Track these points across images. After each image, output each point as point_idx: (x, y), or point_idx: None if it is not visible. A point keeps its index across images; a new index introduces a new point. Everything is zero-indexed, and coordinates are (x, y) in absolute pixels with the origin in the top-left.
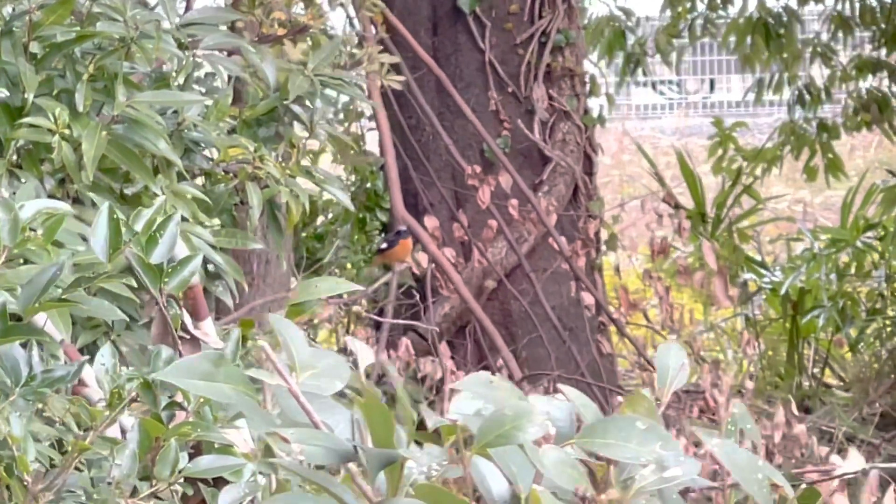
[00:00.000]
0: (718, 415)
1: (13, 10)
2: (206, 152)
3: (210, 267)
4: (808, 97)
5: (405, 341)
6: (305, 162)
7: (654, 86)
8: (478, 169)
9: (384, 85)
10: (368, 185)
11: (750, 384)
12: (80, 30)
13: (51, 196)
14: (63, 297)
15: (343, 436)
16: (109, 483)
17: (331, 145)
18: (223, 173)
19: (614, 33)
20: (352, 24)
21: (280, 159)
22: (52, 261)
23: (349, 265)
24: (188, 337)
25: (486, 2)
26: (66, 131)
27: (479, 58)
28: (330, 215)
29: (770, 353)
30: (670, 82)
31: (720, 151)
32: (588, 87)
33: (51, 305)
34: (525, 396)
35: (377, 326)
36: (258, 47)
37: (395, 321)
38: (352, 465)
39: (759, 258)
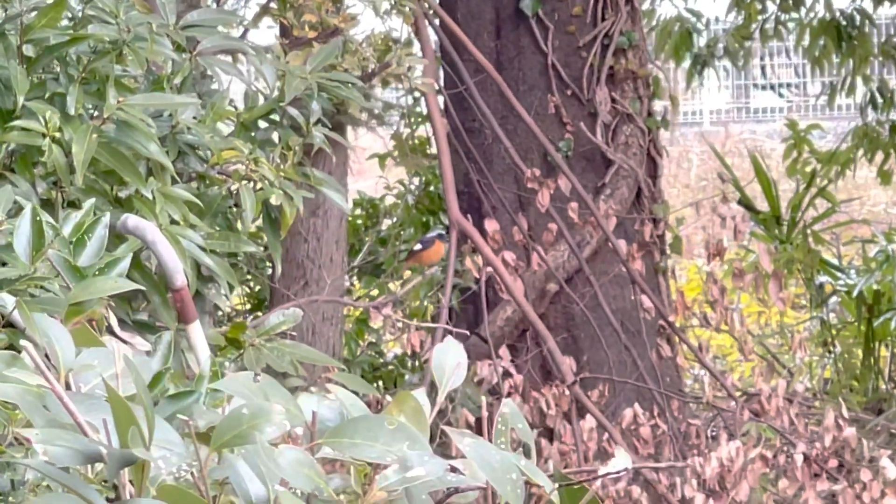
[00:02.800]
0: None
1: (5, 12)
2: (202, 154)
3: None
4: (880, 100)
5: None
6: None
7: (774, 88)
8: (537, 172)
9: (442, 89)
10: (432, 188)
11: (801, 387)
12: (73, 32)
13: (44, 199)
14: None
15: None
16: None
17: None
18: (217, 176)
19: (681, 35)
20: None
21: (278, 161)
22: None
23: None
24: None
25: (549, 4)
26: (57, 134)
27: (541, 60)
28: (394, 219)
29: (846, 355)
30: (793, 86)
31: (794, 154)
32: (652, 89)
33: None
34: (290, 396)
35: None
36: (258, 50)
37: (436, 325)
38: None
39: (835, 261)
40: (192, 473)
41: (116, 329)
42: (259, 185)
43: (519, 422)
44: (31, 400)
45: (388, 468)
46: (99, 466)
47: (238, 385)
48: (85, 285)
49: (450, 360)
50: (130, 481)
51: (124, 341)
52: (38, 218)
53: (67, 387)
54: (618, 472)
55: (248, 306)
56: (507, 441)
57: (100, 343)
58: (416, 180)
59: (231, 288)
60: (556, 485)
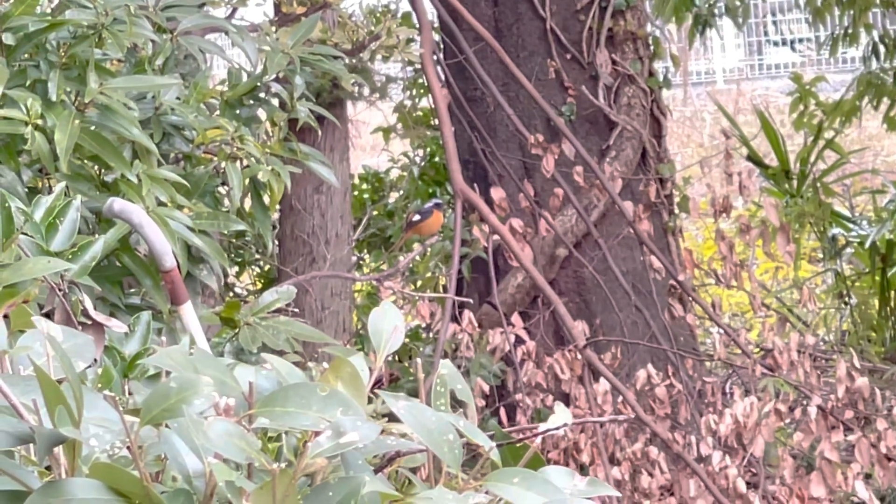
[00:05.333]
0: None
1: None
2: (188, 135)
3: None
4: (882, 49)
5: (467, 314)
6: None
7: (791, 44)
8: (540, 138)
9: (440, 60)
10: (436, 159)
11: (812, 340)
12: (51, 19)
13: (30, 188)
14: None
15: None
16: None
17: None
18: (203, 155)
19: None
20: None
21: (264, 138)
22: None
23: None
24: (90, 322)
25: None
26: (40, 121)
27: (540, 26)
28: (401, 192)
29: (862, 306)
30: (805, 40)
31: (801, 107)
32: (652, 49)
33: None
34: (225, 367)
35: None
36: (239, 28)
37: (445, 295)
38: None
39: (848, 212)
40: (129, 450)
41: (91, 311)
42: (245, 163)
43: (458, 382)
44: None
45: (321, 435)
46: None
47: (166, 358)
48: (16, 267)
49: (387, 324)
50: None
51: (100, 323)
52: (6, 204)
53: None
54: (558, 428)
55: (260, 286)
56: (446, 402)
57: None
58: (420, 152)
59: (223, 268)
60: (494, 444)
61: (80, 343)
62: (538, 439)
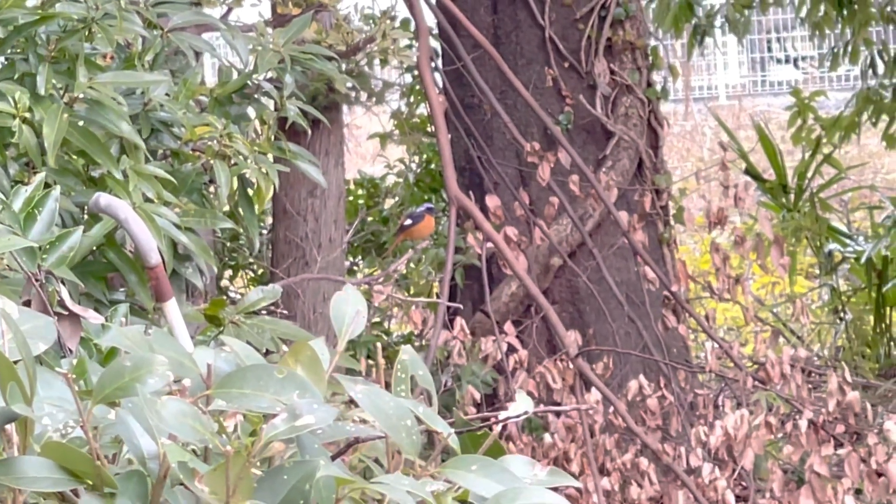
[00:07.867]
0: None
1: None
2: (176, 131)
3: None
4: (881, 64)
5: (459, 321)
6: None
7: (794, 61)
8: (537, 146)
9: (438, 66)
10: (433, 165)
11: (803, 353)
12: (41, 12)
13: (16, 181)
14: None
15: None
16: None
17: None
18: (191, 152)
19: (680, 6)
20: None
21: (253, 136)
22: None
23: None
24: (66, 313)
25: None
26: (28, 115)
27: (539, 34)
28: (396, 198)
29: (857, 322)
30: (808, 58)
31: (800, 121)
32: (650, 59)
33: None
34: (184, 349)
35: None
36: (229, 25)
37: (438, 300)
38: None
39: (844, 228)
40: (82, 429)
41: (68, 302)
42: (234, 161)
43: (419, 368)
44: None
45: (276, 417)
46: None
47: (122, 337)
48: None
49: (349, 308)
50: None
51: (76, 314)
52: None
53: None
54: (518, 417)
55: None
56: (407, 389)
57: None
58: (416, 158)
59: (212, 269)
60: (453, 430)
61: (40, 325)
62: (499, 427)
